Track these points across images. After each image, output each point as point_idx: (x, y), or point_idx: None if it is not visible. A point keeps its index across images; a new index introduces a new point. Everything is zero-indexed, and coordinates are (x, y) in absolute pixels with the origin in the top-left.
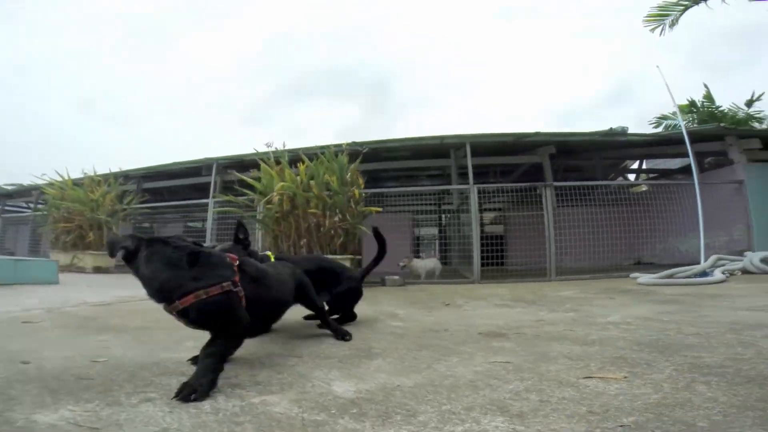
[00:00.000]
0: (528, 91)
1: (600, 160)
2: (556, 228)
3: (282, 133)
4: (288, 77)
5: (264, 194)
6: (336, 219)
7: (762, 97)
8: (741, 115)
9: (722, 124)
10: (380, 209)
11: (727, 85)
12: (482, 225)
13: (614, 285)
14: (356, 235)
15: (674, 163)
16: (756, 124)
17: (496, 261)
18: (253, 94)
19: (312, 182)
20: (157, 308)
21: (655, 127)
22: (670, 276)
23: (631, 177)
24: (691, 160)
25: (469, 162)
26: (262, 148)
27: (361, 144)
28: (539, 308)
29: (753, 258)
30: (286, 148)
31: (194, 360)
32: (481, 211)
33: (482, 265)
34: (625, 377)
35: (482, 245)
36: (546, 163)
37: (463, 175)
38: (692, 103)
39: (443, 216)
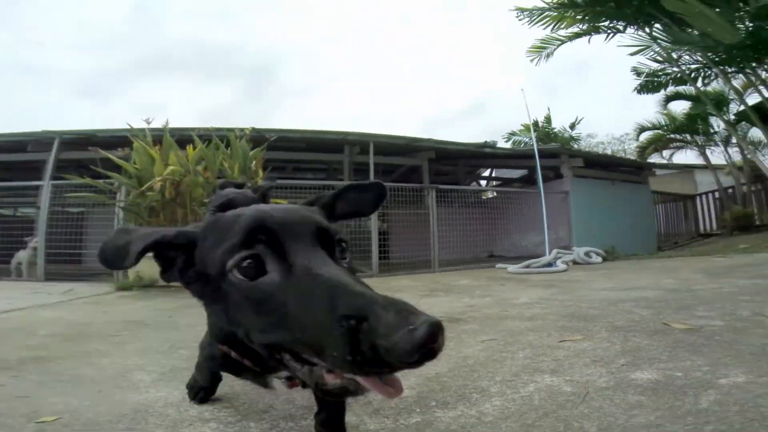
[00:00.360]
0: (401, 94)
1: (463, 167)
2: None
3: (132, 108)
4: (150, 48)
5: (139, 179)
6: None
7: (581, 121)
8: (566, 136)
9: (555, 144)
10: (285, 201)
11: (554, 108)
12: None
13: (491, 274)
14: None
15: (515, 173)
16: (574, 144)
17: (382, 255)
18: (100, 62)
19: (199, 168)
20: (22, 327)
21: (507, 141)
22: (528, 266)
23: (483, 183)
24: (538, 172)
25: (371, 160)
26: (124, 124)
27: (263, 131)
28: (459, 296)
29: (579, 252)
30: (170, 126)
31: (197, 395)
32: None
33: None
34: (583, 338)
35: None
36: (425, 166)
37: (356, 172)
38: (535, 123)
39: None
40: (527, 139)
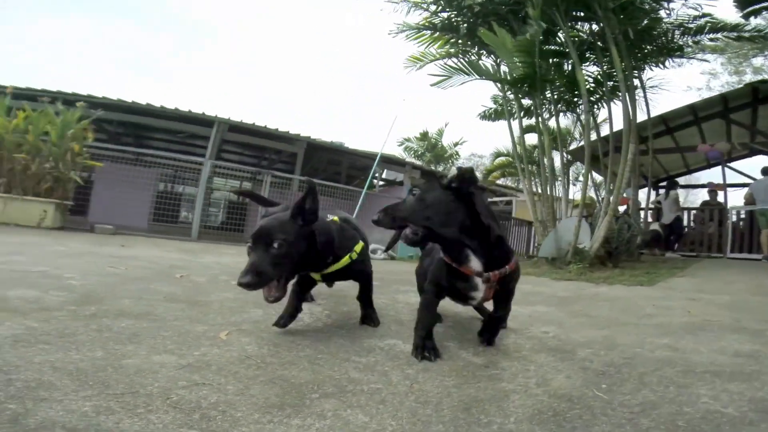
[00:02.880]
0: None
1: (346, 161)
2: None
3: (28, 46)
4: None
5: None
6: (47, 165)
7: (464, 143)
8: (450, 151)
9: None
10: (101, 164)
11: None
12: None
13: None
14: (68, 183)
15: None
16: (455, 159)
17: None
18: None
19: (30, 127)
20: None
21: (400, 145)
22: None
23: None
24: (370, 177)
25: (212, 139)
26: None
27: (99, 102)
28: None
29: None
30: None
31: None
32: None
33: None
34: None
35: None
36: (300, 153)
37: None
38: (425, 135)
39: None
40: (416, 146)
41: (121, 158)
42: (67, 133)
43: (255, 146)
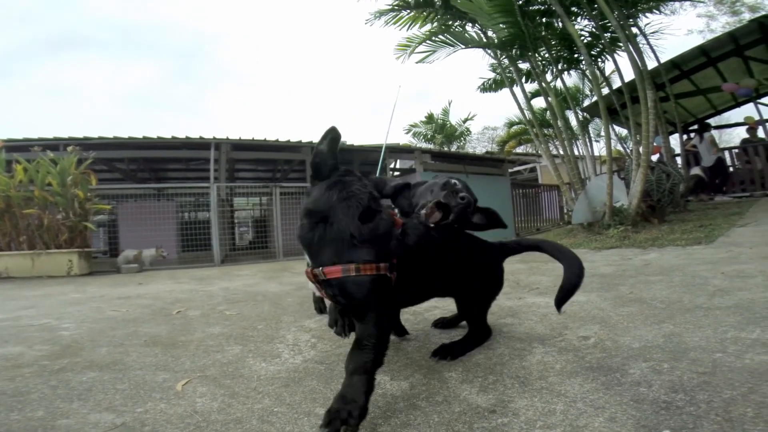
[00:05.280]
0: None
1: (357, 159)
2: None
3: (36, 89)
4: (58, 25)
5: None
6: (59, 217)
7: (475, 117)
8: (460, 129)
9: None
10: (109, 207)
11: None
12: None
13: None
14: (83, 231)
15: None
16: (466, 136)
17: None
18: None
19: (32, 183)
20: None
21: (407, 132)
22: None
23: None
24: (379, 166)
25: (212, 161)
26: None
27: (91, 143)
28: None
29: None
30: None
31: None
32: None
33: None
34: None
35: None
36: (308, 160)
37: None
38: (430, 117)
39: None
40: (424, 130)
41: (140, 195)
42: (68, 180)
43: (266, 160)
